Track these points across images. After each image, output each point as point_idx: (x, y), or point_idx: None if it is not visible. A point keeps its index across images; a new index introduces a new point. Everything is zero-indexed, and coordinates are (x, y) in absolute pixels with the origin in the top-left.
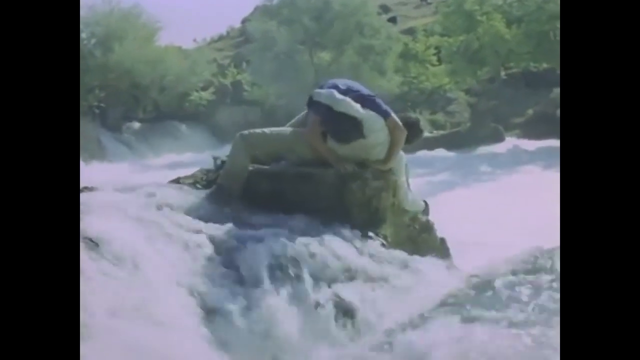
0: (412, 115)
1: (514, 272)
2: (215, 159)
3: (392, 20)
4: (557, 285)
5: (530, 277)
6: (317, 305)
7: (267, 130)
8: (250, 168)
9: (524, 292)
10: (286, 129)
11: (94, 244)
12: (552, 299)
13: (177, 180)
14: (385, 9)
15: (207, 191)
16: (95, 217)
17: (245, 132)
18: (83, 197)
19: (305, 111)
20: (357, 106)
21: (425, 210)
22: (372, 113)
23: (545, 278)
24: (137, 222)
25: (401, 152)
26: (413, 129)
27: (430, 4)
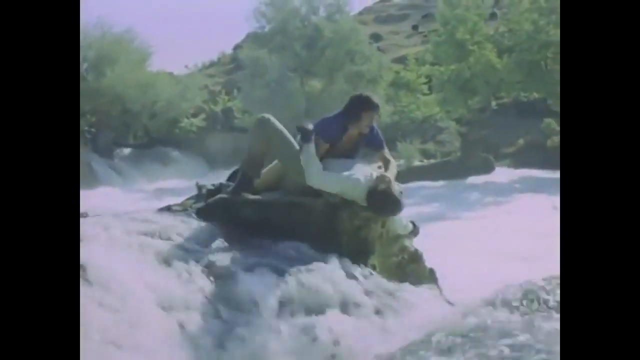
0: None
1: (504, 304)
2: (199, 187)
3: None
4: (550, 317)
5: (521, 309)
6: (306, 334)
7: (285, 131)
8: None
9: (515, 325)
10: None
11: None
12: (545, 332)
13: (167, 208)
14: (376, 37)
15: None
16: (86, 242)
17: (267, 117)
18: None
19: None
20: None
21: (414, 231)
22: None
23: (537, 311)
24: (127, 248)
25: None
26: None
27: (421, 32)
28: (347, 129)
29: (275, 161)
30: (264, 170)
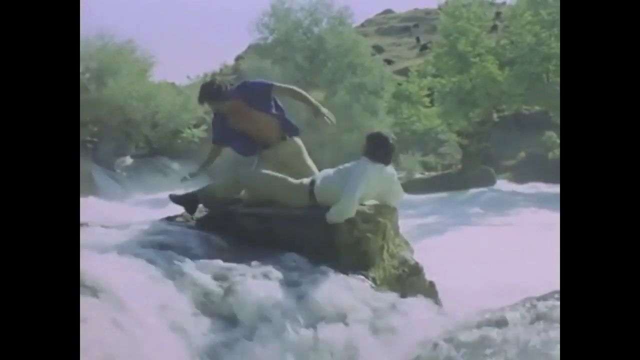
0: (383, 132)
1: (502, 320)
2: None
3: (387, 62)
4: (550, 333)
5: (520, 325)
6: (305, 346)
7: (268, 174)
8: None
9: (513, 339)
10: (285, 178)
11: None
12: (543, 346)
13: (168, 219)
14: (378, 49)
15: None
16: (85, 253)
17: (244, 172)
18: None
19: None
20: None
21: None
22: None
23: (536, 327)
24: (127, 259)
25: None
26: (382, 144)
27: (423, 44)
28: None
29: (279, 180)
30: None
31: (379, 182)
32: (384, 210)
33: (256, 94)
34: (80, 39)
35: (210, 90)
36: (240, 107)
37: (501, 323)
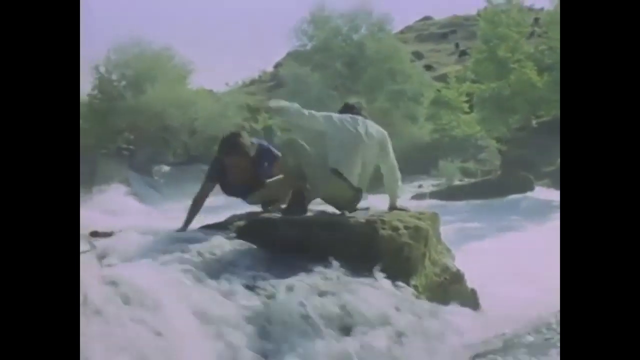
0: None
1: (543, 328)
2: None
3: (427, 67)
4: None
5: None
6: (346, 354)
7: (307, 147)
8: (278, 215)
9: (554, 346)
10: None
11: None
12: None
13: (207, 226)
14: (418, 55)
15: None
16: (121, 260)
17: (298, 141)
18: (109, 240)
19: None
20: None
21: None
22: None
23: None
24: (162, 267)
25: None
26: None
27: (462, 50)
28: None
29: (280, 176)
30: (269, 181)
31: (348, 121)
32: (426, 216)
33: (264, 165)
34: (116, 46)
35: (231, 144)
36: (246, 167)
37: (541, 329)
